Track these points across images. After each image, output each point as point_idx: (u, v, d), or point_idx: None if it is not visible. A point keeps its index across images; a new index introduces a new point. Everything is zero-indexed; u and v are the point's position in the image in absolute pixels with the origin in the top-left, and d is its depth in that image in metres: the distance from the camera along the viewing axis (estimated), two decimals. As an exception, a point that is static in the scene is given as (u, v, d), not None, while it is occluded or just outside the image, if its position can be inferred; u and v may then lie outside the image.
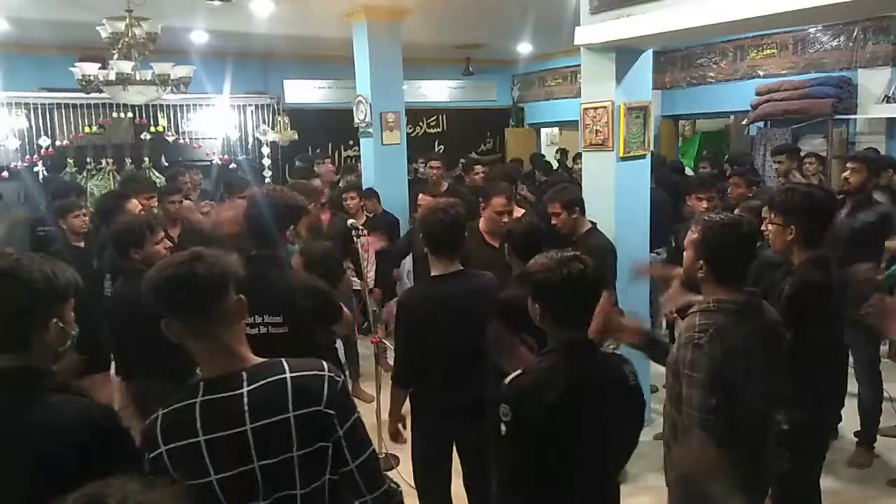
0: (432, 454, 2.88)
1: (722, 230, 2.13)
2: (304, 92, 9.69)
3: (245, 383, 1.55)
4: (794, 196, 2.63)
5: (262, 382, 1.55)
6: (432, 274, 2.76)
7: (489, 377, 2.50)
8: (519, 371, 1.92)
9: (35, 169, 7.53)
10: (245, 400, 1.53)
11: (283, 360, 1.61)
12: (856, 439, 3.98)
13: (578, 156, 7.94)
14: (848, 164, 4.09)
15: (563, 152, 10.30)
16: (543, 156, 9.91)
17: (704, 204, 4.59)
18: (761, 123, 7.71)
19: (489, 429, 1.96)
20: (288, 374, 1.57)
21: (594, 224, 3.89)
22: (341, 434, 1.58)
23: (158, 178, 7.57)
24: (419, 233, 2.90)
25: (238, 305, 1.60)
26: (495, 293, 2.75)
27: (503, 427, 1.85)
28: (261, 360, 1.62)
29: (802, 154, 6.23)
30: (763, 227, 2.70)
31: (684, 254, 2.26)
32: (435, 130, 10.89)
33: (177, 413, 1.55)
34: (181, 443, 1.51)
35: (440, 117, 10.93)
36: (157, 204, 4.91)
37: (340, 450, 1.59)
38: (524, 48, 9.65)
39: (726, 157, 8.04)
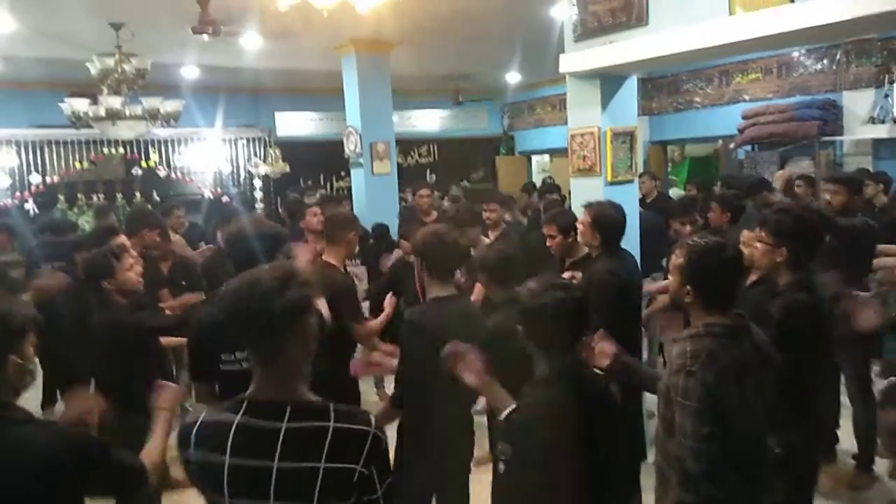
0: (411, 494, 2.73)
1: (707, 254, 2.10)
2: (295, 124, 9.75)
3: (286, 418, 1.47)
4: (787, 218, 2.64)
5: (302, 424, 1.47)
6: (431, 296, 2.73)
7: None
8: (512, 406, 1.91)
9: (26, 206, 7.54)
10: (281, 435, 1.45)
11: (331, 405, 1.51)
12: (854, 462, 3.93)
13: (550, 187, 7.74)
14: (825, 188, 4.11)
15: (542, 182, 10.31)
16: (533, 185, 9.92)
17: (688, 228, 4.58)
18: (749, 147, 7.77)
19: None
20: (331, 424, 1.47)
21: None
22: (380, 495, 1.48)
23: (150, 213, 7.57)
24: (418, 257, 2.87)
25: (306, 338, 1.51)
26: (480, 317, 2.73)
27: (501, 466, 1.82)
28: (312, 398, 1.53)
29: (794, 177, 6.23)
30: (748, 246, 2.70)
31: (669, 278, 2.24)
32: (426, 160, 10.95)
33: (213, 424, 1.50)
34: (207, 455, 1.48)
35: (431, 147, 11.00)
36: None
37: None
38: (513, 77, 9.76)
39: (717, 181, 8.01)
